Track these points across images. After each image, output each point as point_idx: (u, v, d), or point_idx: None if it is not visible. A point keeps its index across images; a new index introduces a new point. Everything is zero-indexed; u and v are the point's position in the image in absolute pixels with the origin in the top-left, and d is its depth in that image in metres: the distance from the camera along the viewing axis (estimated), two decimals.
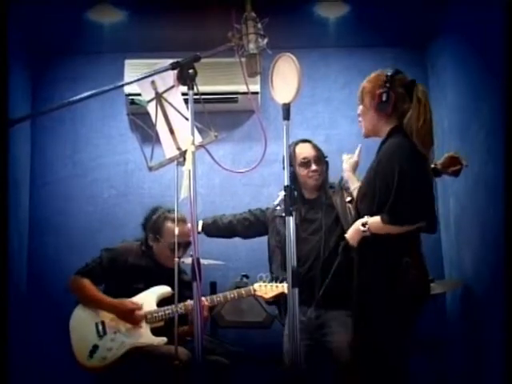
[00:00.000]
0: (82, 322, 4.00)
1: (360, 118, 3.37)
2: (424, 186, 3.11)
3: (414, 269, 3.09)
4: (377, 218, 3.07)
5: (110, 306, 4.01)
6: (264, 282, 4.01)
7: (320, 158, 4.12)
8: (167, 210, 4.18)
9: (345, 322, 3.80)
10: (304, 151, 4.14)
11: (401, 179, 3.03)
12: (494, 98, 3.94)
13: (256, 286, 3.99)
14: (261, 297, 4.01)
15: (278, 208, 4.06)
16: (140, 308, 3.98)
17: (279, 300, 4.10)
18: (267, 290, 3.98)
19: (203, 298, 3.90)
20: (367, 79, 3.35)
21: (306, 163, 4.10)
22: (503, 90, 3.55)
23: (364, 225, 3.11)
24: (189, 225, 3.83)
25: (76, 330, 3.98)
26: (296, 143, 4.17)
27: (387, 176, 3.08)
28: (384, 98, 3.22)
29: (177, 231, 3.45)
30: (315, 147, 4.17)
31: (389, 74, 3.25)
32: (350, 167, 3.75)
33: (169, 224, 4.14)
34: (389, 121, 3.26)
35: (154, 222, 4.19)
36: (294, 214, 2.72)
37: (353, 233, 3.19)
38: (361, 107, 3.34)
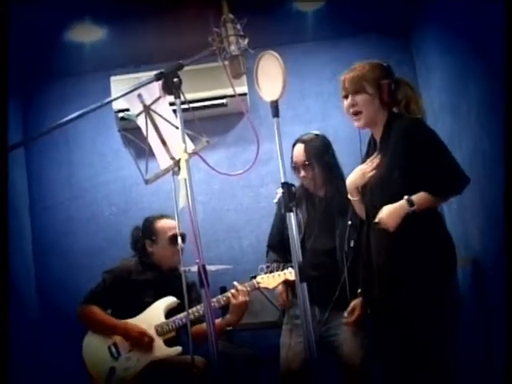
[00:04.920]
0: (95, 348, 4.01)
1: (356, 108, 3.34)
2: (447, 149, 3.18)
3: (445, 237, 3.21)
4: (422, 194, 3.08)
5: (121, 330, 4.02)
6: (265, 273, 4.00)
7: (311, 163, 3.99)
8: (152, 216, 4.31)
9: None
10: (295, 155, 4.04)
11: (436, 149, 3.13)
12: (482, 75, 3.94)
13: (258, 278, 3.96)
14: (266, 288, 3.98)
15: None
16: (150, 335, 3.97)
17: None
18: (270, 280, 3.95)
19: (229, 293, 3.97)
20: (359, 67, 3.36)
21: (294, 168, 4.04)
22: (493, 68, 3.56)
23: (411, 204, 3.07)
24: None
25: (90, 356, 3.99)
26: (293, 144, 4.08)
27: (415, 153, 3.11)
28: (393, 87, 3.29)
29: (180, 239, 3.44)
30: (308, 150, 4.00)
31: (385, 64, 3.34)
32: None
33: (160, 222, 4.24)
34: (384, 110, 3.32)
35: (145, 228, 4.25)
36: (293, 209, 2.71)
37: (394, 215, 3.10)
38: (358, 97, 3.32)
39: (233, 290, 3.94)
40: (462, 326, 4.36)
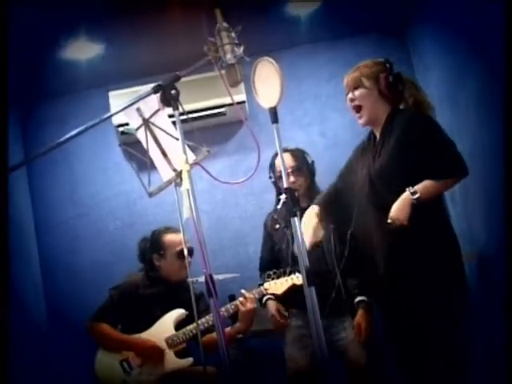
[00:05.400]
0: (107, 364, 4.03)
1: (357, 103, 3.40)
2: (449, 137, 3.22)
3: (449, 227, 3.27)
4: (425, 183, 3.11)
5: (131, 345, 4.03)
6: (273, 278, 4.00)
7: (299, 169, 4.12)
8: (159, 229, 4.31)
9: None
10: (280, 163, 4.10)
11: (438, 137, 3.18)
12: (479, 70, 3.94)
13: (266, 284, 3.98)
14: (273, 294, 3.99)
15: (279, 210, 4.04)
16: (160, 348, 3.98)
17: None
18: (278, 286, 3.96)
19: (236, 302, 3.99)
20: (361, 66, 3.44)
21: (281, 177, 4.09)
22: (491, 62, 3.57)
23: (413, 193, 3.10)
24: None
25: (103, 372, 4.01)
26: (276, 154, 4.16)
27: (418, 142, 3.16)
28: (391, 80, 3.34)
29: (185, 248, 3.44)
30: (294, 157, 4.15)
31: (386, 61, 3.39)
32: None
33: (167, 236, 4.25)
34: (386, 105, 3.38)
35: (153, 242, 4.25)
36: (298, 214, 2.71)
37: (402, 208, 3.12)
38: (357, 92, 3.39)
39: (241, 298, 3.95)
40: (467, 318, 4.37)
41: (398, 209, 3.12)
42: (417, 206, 3.09)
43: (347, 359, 3.94)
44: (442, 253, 3.16)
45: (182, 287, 4.17)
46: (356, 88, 3.40)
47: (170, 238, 4.24)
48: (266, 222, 4.39)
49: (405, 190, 3.12)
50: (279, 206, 4.04)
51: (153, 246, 4.27)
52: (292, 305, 4.12)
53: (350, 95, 3.42)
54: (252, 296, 3.94)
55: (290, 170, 4.06)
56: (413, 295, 3.14)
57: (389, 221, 3.14)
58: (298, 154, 4.17)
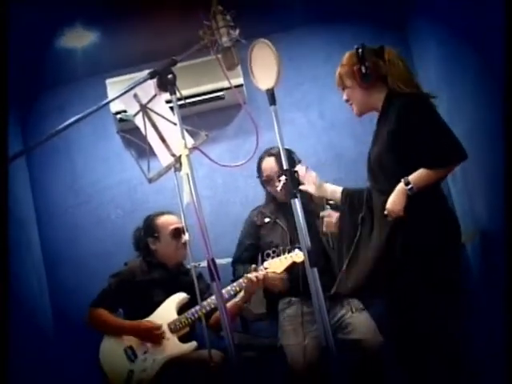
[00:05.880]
0: (111, 352, 4.02)
1: (350, 102, 3.44)
2: (445, 123, 3.19)
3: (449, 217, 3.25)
4: (419, 172, 3.10)
5: (129, 329, 4.03)
6: (272, 257, 4.01)
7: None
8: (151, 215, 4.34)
9: (363, 315, 4.01)
10: (267, 167, 4.25)
11: (432, 123, 3.15)
12: (476, 51, 3.92)
13: (266, 264, 3.98)
14: (274, 273, 3.98)
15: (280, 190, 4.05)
16: (158, 326, 3.98)
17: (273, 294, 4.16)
18: (277, 264, 3.96)
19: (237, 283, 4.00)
20: (340, 65, 3.44)
21: (269, 181, 4.22)
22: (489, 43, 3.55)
23: (407, 184, 3.09)
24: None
25: (107, 362, 4.00)
26: (261, 157, 4.26)
27: (412, 129, 3.13)
28: (363, 70, 3.30)
29: (187, 236, 3.44)
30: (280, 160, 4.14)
31: (355, 48, 3.34)
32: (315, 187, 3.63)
33: (160, 218, 4.27)
34: (379, 89, 3.34)
35: (146, 227, 4.27)
36: (298, 195, 2.72)
37: (397, 200, 3.12)
38: (346, 91, 3.42)
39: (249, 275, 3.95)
40: (471, 297, 4.37)
41: (393, 201, 3.13)
42: (413, 196, 3.09)
43: (357, 340, 3.92)
44: (438, 242, 3.15)
45: (180, 271, 4.20)
46: (343, 89, 3.44)
47: (162, 219, 4.27)
48: (250, 218, 4.41)
49: (401, 180, 3.12)
50: (279, 188, 4.06)
51: (147, 230, 4.29)
52: (291, 293, 4.11)
53: (344, 95, 3.46)
54: (255, 273, 3.94)
55: (275, 176, 4.12)
56: (410, 290, 3.15)
57: (385, 213, 3.16)
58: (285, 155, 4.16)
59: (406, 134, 3.15)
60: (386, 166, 3.23)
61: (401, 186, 3.11)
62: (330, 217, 3.62)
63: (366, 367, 3.88)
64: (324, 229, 3.65)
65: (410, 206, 3.09)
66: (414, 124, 3.15)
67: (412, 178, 3.09)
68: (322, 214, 3.66)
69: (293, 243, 4.05)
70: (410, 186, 3.08)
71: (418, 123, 3.15)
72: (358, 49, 3.33)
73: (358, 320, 3.98)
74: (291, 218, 4.04)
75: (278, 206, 4.27)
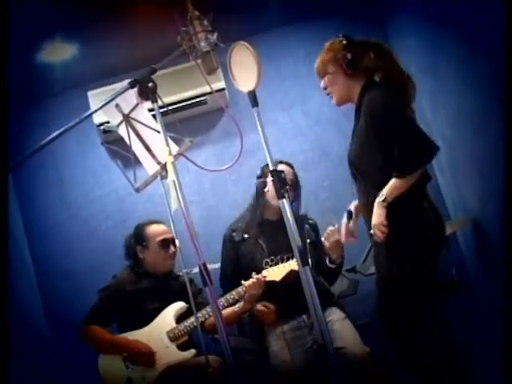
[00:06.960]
0: (110, 362, 4.00)
1: (328, 90, 3.41)
2: (415, 124, 3.16)
3: (431, 210, 3.21)
4: (391, 182, 3.08)
5: (122, 346, 4.00)
6: (271, 266, 4.01)
7: (297, 182, 4.18)
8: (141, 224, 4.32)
9: (346, 323, 3.98)
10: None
11: (394, 126, 3.09)
12: (456, 36, 3.94)
13: (264, 272, 3.98)
14: (273, 281, 3.98)
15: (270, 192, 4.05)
16: (150, 352, 3.95)
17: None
18: (276, 272, 3.96)
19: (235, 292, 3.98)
20: (322, 52, 3.41)
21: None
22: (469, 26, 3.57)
23: (381, 197, 3.09)
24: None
25: (106, 370, 4.00)
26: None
27: (382, 129, 3.12)
28: (349, 57, 3.28)
29: (176, 246, 3.43)
30: (292, 171, 4.20)
31: (341, 36, 3.34)
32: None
33: (149, 228, 4.26)
34: (358, 80, 3.32)
35: (135, 236, 4.27)
36: (286, 196, 2.72)
37: (377, 213, 3.11)
38: (326, 78, 3.39)
39: (247, 283, 3.92)
40: (465, 283, 4.39)
41: (374, 215, 3.13)
42: (392, 205, 3.10)
43: (339, 347, 3.88)
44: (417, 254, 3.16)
45: (169, 277, 4.20)
46: (323, 76, 3.40)
47: (151, 229, 4.25)
48: (229, 234, 4.31)
49: (383, 167, 3.13)
50: (266, 189, 4.05)
51: (136, 238, 4.28)
52: (284, 310, 4.10)
53: (322, 83, 3.42)
54: (255, 280, 3.93)
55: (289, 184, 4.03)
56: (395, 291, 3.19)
57: (371, 232, 3.17)
58: (294, 170, 4.22)
59: (373, 133, 3.17)
60: (365, 159, 3.23)
61: (377, 200, 3.11)
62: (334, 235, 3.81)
63: (352, 375, 3.84)
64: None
65: (391, 220, 3.10)
66: (377, 125, 3.14)
67: (385, 191, 3.09)
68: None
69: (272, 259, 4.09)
70: (383, 198, 3.08)
71: (380, 124, 3.13)
72: (344, 36, 3.34)
73: (342, 328, 3.95)
74: (270, 235, 4.11)
75: (258, 224, 4.22)
